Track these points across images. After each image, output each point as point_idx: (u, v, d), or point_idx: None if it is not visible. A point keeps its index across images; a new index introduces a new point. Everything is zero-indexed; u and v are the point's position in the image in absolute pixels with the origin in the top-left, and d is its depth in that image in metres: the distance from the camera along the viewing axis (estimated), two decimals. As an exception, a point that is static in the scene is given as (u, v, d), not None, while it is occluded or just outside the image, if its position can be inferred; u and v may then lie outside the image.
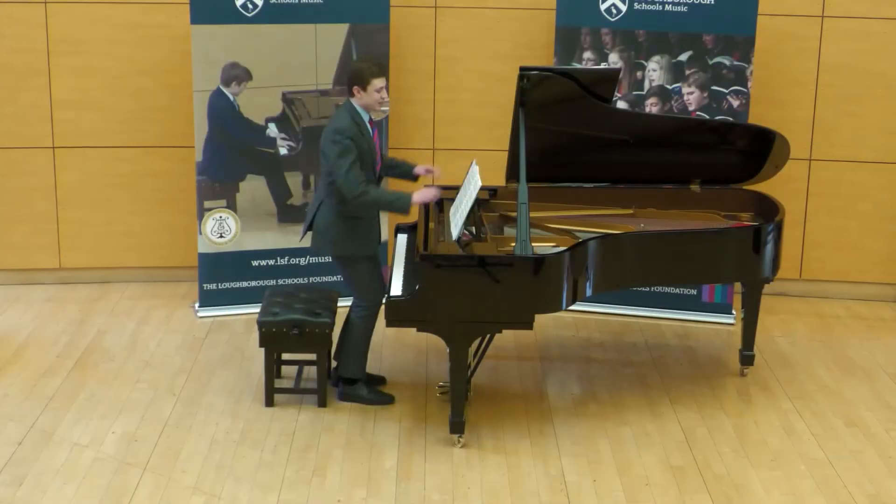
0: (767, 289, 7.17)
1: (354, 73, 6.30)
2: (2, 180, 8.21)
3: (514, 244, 6.14)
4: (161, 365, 7.13)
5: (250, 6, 7.63)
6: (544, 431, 6.40)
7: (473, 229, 6.55)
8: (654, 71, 7.87)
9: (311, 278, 8.02)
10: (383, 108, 6.62)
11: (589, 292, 6.34)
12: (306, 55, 7.78)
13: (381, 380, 6.92)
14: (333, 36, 7.80)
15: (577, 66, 7.84)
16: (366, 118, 6.35)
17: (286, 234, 7.99)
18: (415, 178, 6.78)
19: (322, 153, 6.33)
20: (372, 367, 7.13)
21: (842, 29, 8.08)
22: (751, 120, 7.83)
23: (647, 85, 7.89)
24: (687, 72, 7.83)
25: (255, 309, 7.15)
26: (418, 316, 6.05)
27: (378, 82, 6.26)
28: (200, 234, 7.89)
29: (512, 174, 6.82)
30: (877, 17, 8.04)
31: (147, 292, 8.28)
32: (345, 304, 7.72)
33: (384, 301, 6.25)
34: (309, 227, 6.54)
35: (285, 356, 6.93)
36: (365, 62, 6.32)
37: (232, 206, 7.90)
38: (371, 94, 6.27)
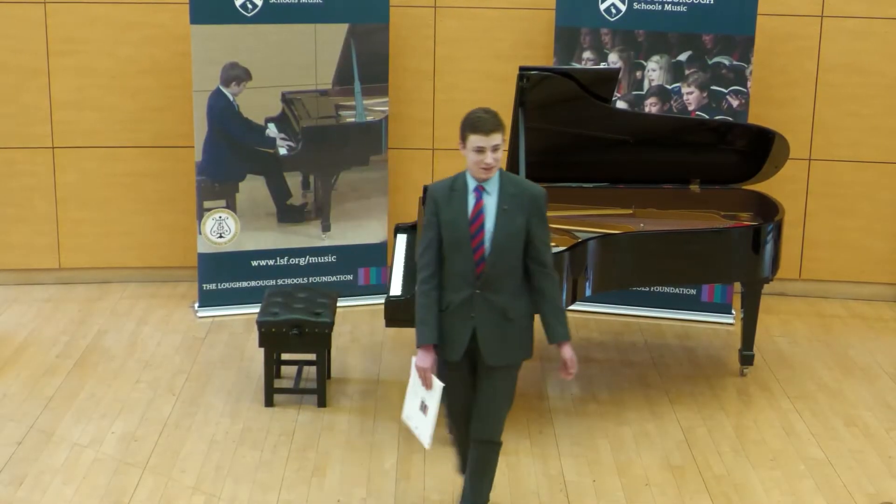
0: (767, 288, 7.16)
1: (461, 123, 4.95)
2: (1, 180, 8.20)
3: (513, 244, 6.13)
4: (161, 365, 7.13)
5: (250, 6, 7.63)
6: (544, 431, 6.40)
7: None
8: (654, 71, 7.86)
9: (310, 278, 8.02)
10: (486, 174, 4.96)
11: (588, 292, 6.35)
12: (306, 55, 7.78)
13: None
14: (333, 36, 7.80)
15: (577, 66, 7.84)
16: (471, 185, 4.95)
17: (286, 234, 7.98)
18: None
19: None
20: (371, 368, 7.14)
21: (841, 28, 8.08)
22: (750, 120, 7.82)
23: (646, 85, 7.89)
24: (686, 72, 7.82)
25: (255, 309, 7.15)
26: (418, 316, 6.03)
27: (476, 139, 4.84)
28: (200, 234, 7.88)
29: (511, 174, 6.82)
30: (876, 16, 8.04)
31: (146, 292, 8.28)
32: (345, 303, 7.74)
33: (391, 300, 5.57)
34: None
35: (285, 356, 6.93)
36: (476, 112, 4.91)
37: (231, 206, 7.90)
38: (469, 153, 4.89)
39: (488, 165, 4.88)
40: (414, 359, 5.05)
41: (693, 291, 8.08)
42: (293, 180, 7.95)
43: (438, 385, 5.02)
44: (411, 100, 8.29)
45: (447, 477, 5.89)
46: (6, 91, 8.09)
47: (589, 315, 8.04)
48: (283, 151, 7.90)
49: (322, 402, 6.60)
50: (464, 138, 4.89)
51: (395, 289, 6.29)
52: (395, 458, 6.07)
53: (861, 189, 8.29)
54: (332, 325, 6.57)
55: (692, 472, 6.02)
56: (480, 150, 4.85)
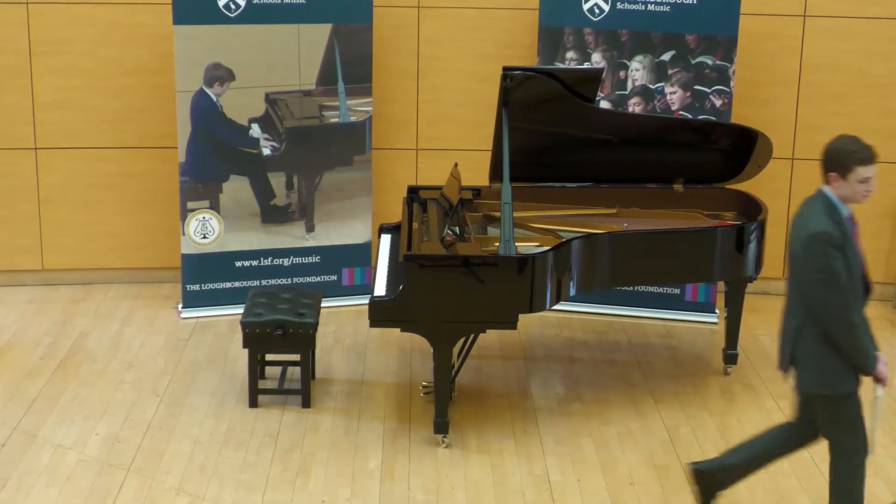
0: (751, 287, 7.18)
1: (833, 155, 5.05)
2: (-16, 181, 8.19)
3: (497, 244, 6.15)
4: (144, 366, 7.11)
5: (233, 6, 7.61)
6: (528, 431, 6.40)
7: (457, 229, 6.55)
8: (637, 70, 7.88)
9: (294, 279, 8.01)
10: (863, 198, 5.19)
11: (572, 292, 6.35)
12: (289, 55, 7.77)
13: None
14: (316, 36, 7.79)
15: (560, 65, 7.84)
16: (844, 213, 5.12)
17: (269, 235, 7.97)
18: None
19: (793, 259, 5.10)
20: (355, 368, 7.14)
21: (824, 28, 8.11)
22: (733, 119, 7.84)
23: (629, 84, 7.90)
24: (670, 71, 7.84)
25: (239, 310, 7.14)
26: (402, 316, 6.04)
27: (864, 171, 5.01)
28: (184, 234, 7.87)
29: (495, 174, 6.82)
30: (858, 16, 8.06)
31: (130, 293, 8.26)
32: (329, 304, 7.73)
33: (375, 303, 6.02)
34: (791, 361, 5.16)
35: (269, 357, 6.92)
36: (851, 144, 5.04)
37: (215, 206, 7.88)
38: (852, 185, 5.05)
39: (872, 191, 5.12)
40: (880, 391, 5.18)
41: (677, 291, 8.09)
42: (277, 181, 7.94)
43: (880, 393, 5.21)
44: (395, 100, 8.29)
45: (432, 476, 5.90)
46: (-12, 92, 8.08)
47: (573, 315, 8.05)
48: (266, 152, 7.89)
49: (306, 403, 6.59)
50: (848, 170, 5.02)
51: (380, 289, 6.28)
52: (380, 459, 6.07)
53: (844, 188, 8.31)
54: (316, 325, 6.56)
55: (676, 470, 6.03)
56: (867, 181, 5.05)
